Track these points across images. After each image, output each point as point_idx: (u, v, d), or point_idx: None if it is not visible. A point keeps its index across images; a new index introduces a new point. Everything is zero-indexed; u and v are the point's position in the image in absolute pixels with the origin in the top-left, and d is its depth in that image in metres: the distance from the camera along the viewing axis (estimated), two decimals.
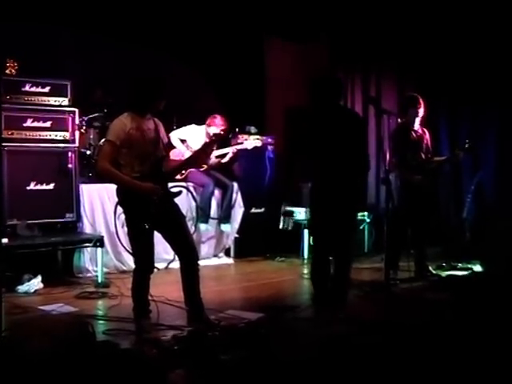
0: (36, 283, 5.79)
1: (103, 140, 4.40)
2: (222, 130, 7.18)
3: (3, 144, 5.99)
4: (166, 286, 5.58)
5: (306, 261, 7.58)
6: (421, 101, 6.15)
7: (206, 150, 4.76)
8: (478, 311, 4.84)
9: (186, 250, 4.60)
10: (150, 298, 4.58)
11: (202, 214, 7.18)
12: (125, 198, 4.40)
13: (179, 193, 4.69)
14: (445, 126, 7.95)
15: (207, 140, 6.96)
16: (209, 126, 7.32)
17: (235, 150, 7.52)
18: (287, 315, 4.94)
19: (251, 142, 7.52)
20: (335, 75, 9.09)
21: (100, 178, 5.02)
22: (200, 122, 7.50)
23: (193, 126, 7.47)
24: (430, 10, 7.69)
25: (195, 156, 4.84)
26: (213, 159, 7.45)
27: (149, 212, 4.32)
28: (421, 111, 6.15)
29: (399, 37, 8.15)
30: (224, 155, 7.56)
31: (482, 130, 7.65)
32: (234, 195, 7.57)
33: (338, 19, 8.79)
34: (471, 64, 7.53)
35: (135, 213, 4.39)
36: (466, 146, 6.30)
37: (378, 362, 3.75)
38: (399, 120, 6.31)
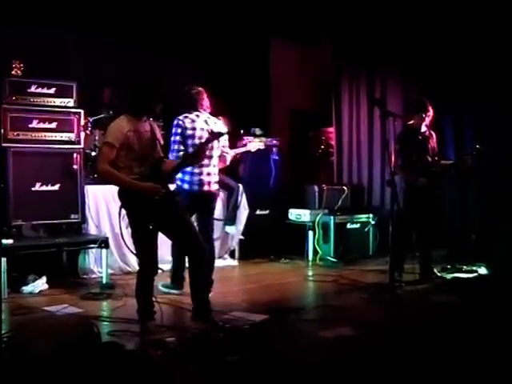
0: (41, 284, 5.80)
1: (101, 143, 4.42)
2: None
3: (9, 145, 6.02)
4: None
5: (310, 263, 7.59)
6: (429, 106, 6.12)
7: (202, 148, 4.78)
8: (483, 313, 4.82)
9: (192, 246, 4.63)
10: (154, 299, 4.59)
11: None
12: (127, 200, 4.42)
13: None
14: (450, 126, 7.93)
15: None
16: None
17: (238, 154, 7.51)
18: (292, 317, 4.93)
19: (254, 144, 7.51)
20: (339, 76, 9.14)
21: (101, 180, 5.01)
22: None
23: None
24: (435, 11, 7.67)
25: (192, 155, 4.87)
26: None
27: (152, 212, 4.33)
28: (429, 116, 6.13)
29: (403, 38, 8.14)
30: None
31: (487, 130, 7.62)
32: (239, 197, 7.57)
33: (341, 20, 8.80)
34: (476, 64, 7.51)
35: (138, 214, 4.40)
36: (474, 152, 6.26)
37: (382, 364, 3.74)
38: (409, 122, 6.29)
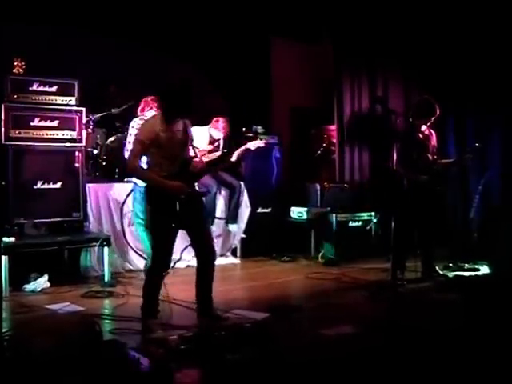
0: (43, 282, 5.81)
1: (134, 139, 4.54)
2: (223, 133, 7.22)
3: (11, 143, 6.03)
4: (173, 286, 5.55)
5: (312, 261, 7.58)
6: (437, 109, 6.09)
7: (226, 158, 4.90)
8: (485, 312, 4.82)
9: (206, 251, 4.70)
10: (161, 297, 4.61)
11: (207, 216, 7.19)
12: (152, 197, 4.49)
13: (206, 193, 4.81)
14: (451, 125, 7.92)
15: (210, 140, 7.07)
16: (212, 127, 7.36)
17: (240, 152, 7.50)
18: (293, 315, 4.93)
19: (254, 142, 7.51)
20: (341, 74, 9.13)
21: (130, 175, 5.12)
22: (206, 122, 7.50)
23: (195, 128, 7.47)
24: (436, 9, 7.67)
25: (222, 159, 4.99)
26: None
27: (175, 211, 4.39)
28: (434, 117, 6.11)
29: (405, 37, 8.13)
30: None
31: (488, 129, 7.62)
32: (241, 195, 7.57)
33: (342, 19, 8.78)
34: (477, 63, 7.50)
35: (161, 211, 4.46)
36: (475, 148, 6.24)
37: (383, 362, 3.74)
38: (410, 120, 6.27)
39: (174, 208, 4.36)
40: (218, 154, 7.46)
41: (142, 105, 6.52)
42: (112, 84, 7.50)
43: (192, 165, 4.61)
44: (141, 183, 6.02)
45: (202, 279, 4.72)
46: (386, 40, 8.38)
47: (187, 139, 4.62)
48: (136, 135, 4.57)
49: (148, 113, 6.38)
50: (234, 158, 7.44)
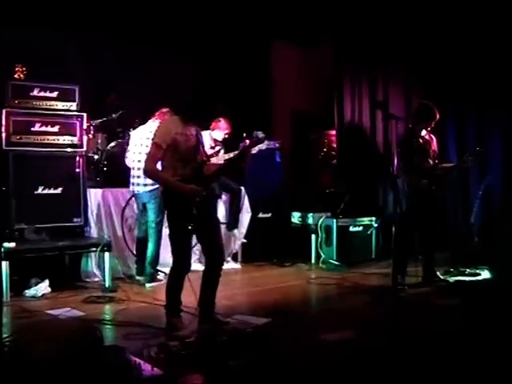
0: (43, 287, 5.80)
1: (151, 142, 4.63)
2: (226, 134, 7.19)
3: (11, 148, 6.03)
4: None
5: (313, 266, 7.58)
6: (437, 113, 6.09)
7: (244, 155, 4.93)
8: (485, 317, 4.81)
9: (216, 255, 4.73)
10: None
11: None
12: (169, 200, 4.55)
13: (219, 195, 4.81)
14: (452, 130, 7.93)
15: (212, 144, 7.04)
16: (213, 129, 7.30)
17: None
18: (294, 320, 4.92)
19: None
20: (341, 79, 9.15)
21: (148, 177, 5.16)
22: (207, 126, 7.49)
23: None
24: (436, 14, 7.68)
25: (234, 161, 5.02)
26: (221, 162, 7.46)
27: (191, 213, 4.43)
28: (434, 122, 6.11)
29: (405, 41, 8.14)
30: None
31: (489, 134, 7.63)
32: (242, 200, 7.56)
33: (343, 23, 8.81)
34: (478, 67, 7.51)
35: (178, 215, 4.51)
36: (475, 152, 6.26)
37: (384, 366, 3.73)
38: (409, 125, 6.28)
39: (191, 211, 4.42)
40: (225, 156, 7.46)
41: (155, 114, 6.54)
42: (112, 89, 7.50)
43: (206, 168, 4.65)
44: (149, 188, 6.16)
45: (207, 282, 4.73)
46: (387, 44, 8.40)
47: (199, 144, 4.68)
48: (153, 139, 4.63)
49: (150, 122, 6.39)
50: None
